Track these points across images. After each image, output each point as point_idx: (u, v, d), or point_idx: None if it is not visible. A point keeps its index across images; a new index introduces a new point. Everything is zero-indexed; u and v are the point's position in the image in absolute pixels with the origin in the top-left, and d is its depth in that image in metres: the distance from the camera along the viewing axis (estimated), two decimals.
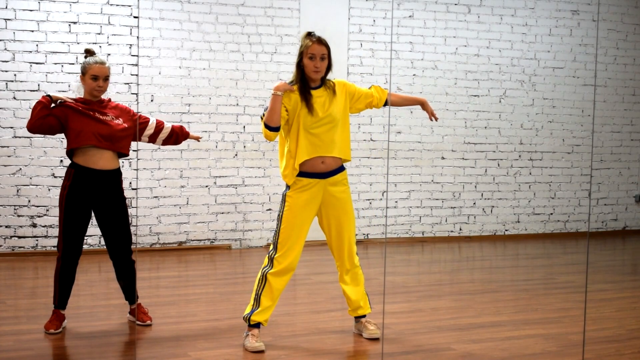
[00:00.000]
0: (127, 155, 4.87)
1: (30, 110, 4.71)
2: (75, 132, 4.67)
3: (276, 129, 4.36)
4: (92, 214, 4.84)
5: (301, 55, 4.42)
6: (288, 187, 4.50)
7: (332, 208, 4.52)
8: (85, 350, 4.37)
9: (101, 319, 5.06)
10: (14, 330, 4.75)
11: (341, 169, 4.55)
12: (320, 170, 4.46)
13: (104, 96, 4.88)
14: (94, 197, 4.75)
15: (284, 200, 4.49)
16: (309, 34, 4.44)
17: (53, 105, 4.71)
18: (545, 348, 4.54)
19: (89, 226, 4.88)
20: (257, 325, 4.48)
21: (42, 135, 7.40)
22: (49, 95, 4.69)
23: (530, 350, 4.48)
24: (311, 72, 4.40)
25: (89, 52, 4.85)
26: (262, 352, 4.35)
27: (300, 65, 4.43)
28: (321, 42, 4.41)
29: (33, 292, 6.07)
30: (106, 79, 4.76)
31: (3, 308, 5.36)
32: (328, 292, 6.10)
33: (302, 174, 4.46)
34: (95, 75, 4.72)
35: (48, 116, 4.66)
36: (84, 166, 4.70)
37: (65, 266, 4.72)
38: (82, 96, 4.82)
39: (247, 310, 4.50)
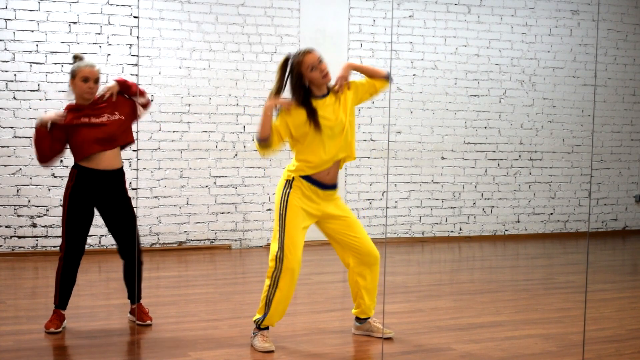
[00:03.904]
0: (133, 142, 4.84)
1: (40, 163, 4.68)
2: (77, 146, 4.64)
3: (264, 140, 4.27)
4: (96, 214, 4.84)
5: (299, 75, 4.28)
6: (290, 187, 4.44)
7: (337, 220, 4.50)
8: (85, 350, 4.36)
9: (101, 319, 5.06)
10: (14, 330, 4.75)
11: (335, 186, 4.51)
12: (325, 182, 4.43)
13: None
14: (98, 197, 4.74)
15: (284, 202, 4.40)
16: (293, 54, 4.34)
17: (49, 126, 4.64)
18: (545, 348, 4.54)
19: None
20: (266, 327, 4.47)
21: None
22: (39, 123, 4.61)
23: (530, 350, 4.48)
24: (320, 80, 4.30)
25: (77, 57, 4.77)
26: (271, 352, 4.34)
27: (301, 86, 4.31)
28: (310, 51, 4.32)
29: (33, 292, 6.07)
30: (97, 81, 4.68)
31: (3, 308, 5.36)
32: (328, 292, 6.10)
33: (308, 179, 4.41)
34: (85, 77, 4.64)
35: (54, 143, 4.63)
36: (87, 167, 4.69)
37: (67, 266, 4.72)
38: (73, 102, 4.75)
39: (258, 315, 4.45)
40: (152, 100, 4.89)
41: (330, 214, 4.49)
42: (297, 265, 4.36)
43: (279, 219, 4.39)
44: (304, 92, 4.33)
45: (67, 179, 7.29)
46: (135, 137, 4.92)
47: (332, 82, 4.46)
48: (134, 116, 4.84)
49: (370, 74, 4.52)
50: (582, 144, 9.70)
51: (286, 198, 4.39)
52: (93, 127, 4.65)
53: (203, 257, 7.69)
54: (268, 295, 4.38)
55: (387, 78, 4.52)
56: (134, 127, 4.93)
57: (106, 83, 7.29)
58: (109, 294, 5.96)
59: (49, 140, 4.63)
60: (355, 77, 4.53)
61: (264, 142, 4.29)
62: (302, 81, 4.32)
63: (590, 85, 9.65)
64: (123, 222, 4.81)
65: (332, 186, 4.48)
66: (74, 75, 4.67)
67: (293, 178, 4.42)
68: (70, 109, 4.72)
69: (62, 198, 7.43)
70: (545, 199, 9.57)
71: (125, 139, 4.77)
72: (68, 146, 4.75)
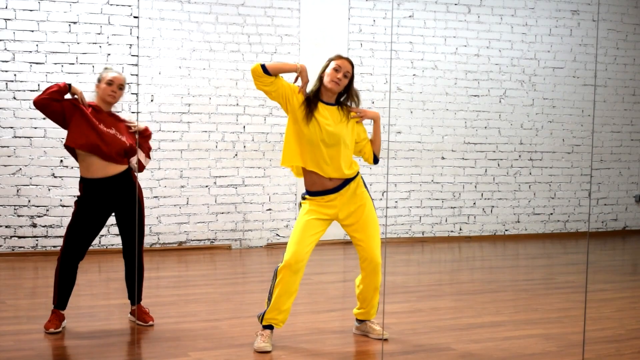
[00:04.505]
0: (125, 166, 4.85)
1: (33, 101, 4.70)
2: (74, 133, 4.68)
3: (266, 71, 4.30)
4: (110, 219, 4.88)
5: (324, 67, 4.44)
6: (304, 198, 4.53)
7: (350, 219, 4.54)
8: (85, 350, 4.36)
9: (101, 319, 5.06)
10: (14, 330, 4.75)
11: (343, 185, 4.53)
12: (331, 187, 4.47)
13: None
14: (110, 203, 4.79)
15: (300, 206, 4.57)
16: (339, 54, 4.52)
17: (68, 95, 4.72)
18: (545, 348, 4.54)
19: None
20: (270, 327, 4.46)
21: (42, 135, 7.41)
22: (69, 85, 4.69)
23: (530, 350, 4.48)
24: (330, 81, 4.39)
25: (107, 68, 4.91)
26: (267, 352, 4.34)
27: (320, 77, 4.45)
28: (350, 62, 4.46)
29: (33, 292, 6.07)
30: (121, 87, 4.79)
31: (3, 308, 5.36)
32: (328, 292, 6.10)
33: (313, 193, 4.48)
34: (110, 80, 4.75)
35: (56, 102, 4.66)
36: (90, 178, 4.72)
37: (64, 268, 4.72)
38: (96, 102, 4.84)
39: (263, 310, 4.51)
40: (143, 168, 5.00)
41: (345, 213, 4.53)
42: (295, 260, 4.36)
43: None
44: (318, 86, 4.44)
45: (67, 179, 7.37)
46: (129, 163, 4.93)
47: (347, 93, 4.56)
48: (128, 156, 4.86)
49: (375, 140, 4.64)
50: (582, 144, 9.70)
51: (300, 203, 4.57)
52: (97, 132, 4.68)
53: (203, 257, 7.69)
54: (270, 288, 4.45)
55: (376, 160, 4.68)
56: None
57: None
58: (109, 294, 5.96)
59: (58, 97, 4.65)
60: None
61: (266, 73, 4.31)
62: (323, 73, 4.44)
63: (590, 85, 9.65)
64: (127, 225, 4.83)
65: (339, 187, 4.49)
66: (99, 79, 4.80)
67: (304, 196, 4.56)
68: (91, 105, 4.79)
69: (63, 198, 7.45)
70: (545, 199, 9.57)
71: (117, 161, 4.76)
72: (63, 127, 4.79)
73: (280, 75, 4.40)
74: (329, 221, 4.53)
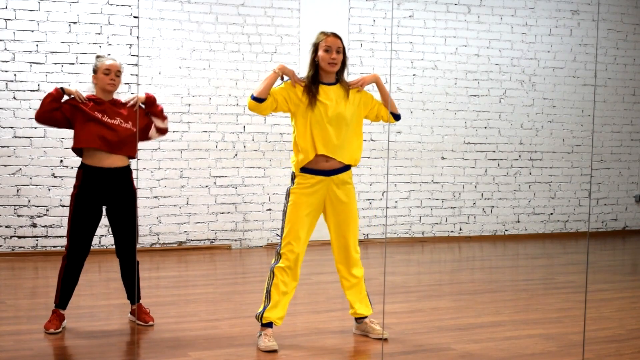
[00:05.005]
0: (134, 157, 4.86)
1: (37, 107, 4.71)
2: (81, 133, 4.68)
3: (258, 100, 4.32)
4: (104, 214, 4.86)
5: (315, 50, 4.41)
6: (292, 182, 4.49)
7: (335, 210, 4.52)
8: (85, 350, 4.36)
9: (101, 319, 5.06)
10: (14, 330, 4.75)
11: (347, 167, 4.53)
12: (325, 168, 4.45)
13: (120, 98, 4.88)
14: (104, 195, 4.77)
15: (287, 196, 4.49)
16: (323, 31, 4.48)
17: (66, 98, 4.72)
18: (545, 348, 4.54)
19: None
20: (270, 324, 4.46)
21: (42, 135, 7.41)
22: (62, 88, 4.69)
23: (530, 350, 4.48)
24: (327, 64, 4.38)
25: (99, 56, 4.88)
26: (275, 351, 4.34)
27: (314, 61, 4.42)
28: (336, 35, 4.43)
29: (33, 292, 6.07)
30: (118, 74, 4.78)
31: (3, 308, 5.36)
32: (328, 292, 6.10)
33: (306, 170, 4.45)
34: (107, 69, 4.74)
35: (56, 110, 4.67)
36: (92, 165, 4.72)
37: (70, 266, 4.73)
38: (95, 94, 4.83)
39: (260, 309, 4.50)
40: (166, 131, 4.98)
41: (333, 202, 4.51)
42: (293, 256, 4.39)
43: (282, 213, 4.50)
44: (314, 68, 4.42)
45: (67, 179, 7.37)
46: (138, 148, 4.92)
47: (347, 77, 4.56)
48: (144, 135, 4.87)
49: (385, 100, 4.63)
50: (582, 144, 9.70)
51: (288, 192, 4.50)
52: (103, 125, 4.70)
53: (203, 257, 7.69)
54: (267, 286, 4.45)
55: (396, 117, 4.69)
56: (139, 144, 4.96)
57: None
58: (109, 294, 5.96)
59: (55, 105, 4.67)
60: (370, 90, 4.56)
61: (258, 101, 4.34)
62: (315, 57, 4.42)
63: (590, 85, 9.65)
64: (122, 222, 4.82)
65: (335, 171, 4.47)
66: (95, 70, 4.79)
67: (294, 174, 4.50)
68: (90, 98, 4.78)
69: (63, 198, 7.45)
70: (545, 199, 9.57)
71: (127, 151, 4.78)
72: (72, 131, 4.78)
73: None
74: (317, 212, 4.51)
